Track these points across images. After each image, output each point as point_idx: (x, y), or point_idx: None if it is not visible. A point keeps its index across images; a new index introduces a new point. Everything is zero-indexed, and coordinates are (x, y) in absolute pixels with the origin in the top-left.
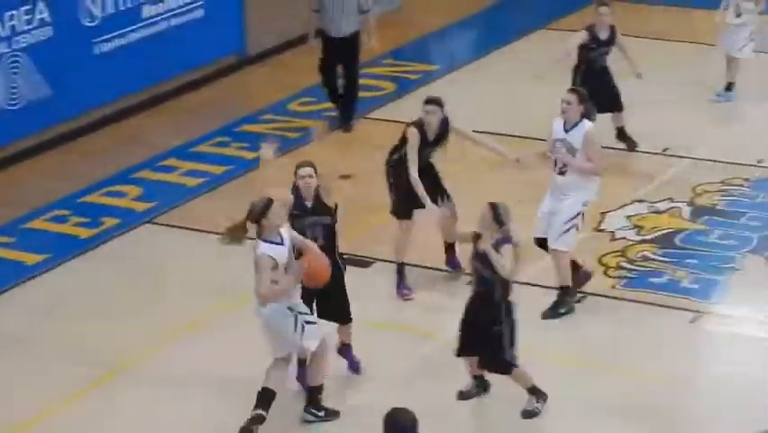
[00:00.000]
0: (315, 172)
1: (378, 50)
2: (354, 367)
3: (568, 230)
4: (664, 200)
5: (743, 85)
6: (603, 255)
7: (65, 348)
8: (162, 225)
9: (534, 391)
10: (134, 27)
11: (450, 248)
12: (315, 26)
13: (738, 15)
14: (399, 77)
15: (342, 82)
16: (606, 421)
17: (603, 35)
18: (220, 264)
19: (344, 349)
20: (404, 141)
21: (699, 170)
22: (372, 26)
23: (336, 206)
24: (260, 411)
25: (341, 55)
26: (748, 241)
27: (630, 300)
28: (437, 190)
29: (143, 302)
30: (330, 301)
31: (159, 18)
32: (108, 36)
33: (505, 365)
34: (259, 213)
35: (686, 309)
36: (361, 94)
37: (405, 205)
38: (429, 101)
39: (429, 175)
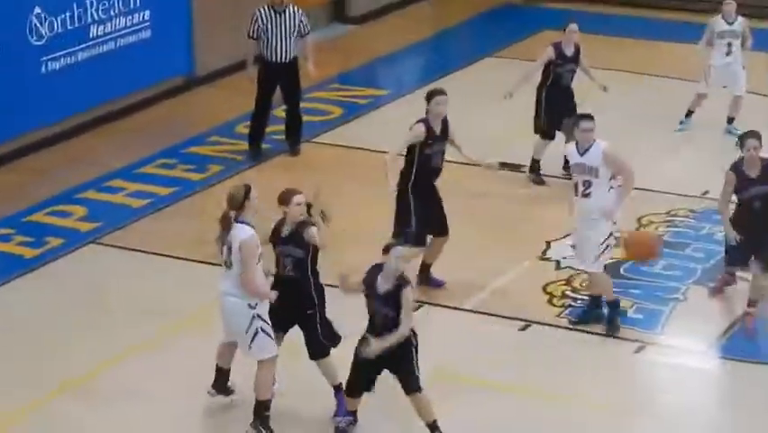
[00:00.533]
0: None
1: (316, 75)
2: (338, 411)
3: (603, 252)
4: None
5: (695, 116)
6: (548, 284)
7: (8, 367)
8: (107, 245)
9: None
10: (82, 46)
11: (426, 268)
12: (254, 54)
13: (728, 54)
14: (347, 101)
15: (285, 108)
16: None
17: (569, 51)
18: (164, 285)
19: (335, 390)
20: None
21: (644, 201)
22: (311, 50)
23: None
24: (210, 389)
25: (281, 80)
26: (692, 272)
27: (575, 330)
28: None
29: (87, 322)
30: (305, 337)
31: (107, 38)
32: (56, 55)
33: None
34: (244, 197)
35: (630, 339)
36: (309, 118)
37: (422, 232)
38: (437, 92)
39: (434, 199)
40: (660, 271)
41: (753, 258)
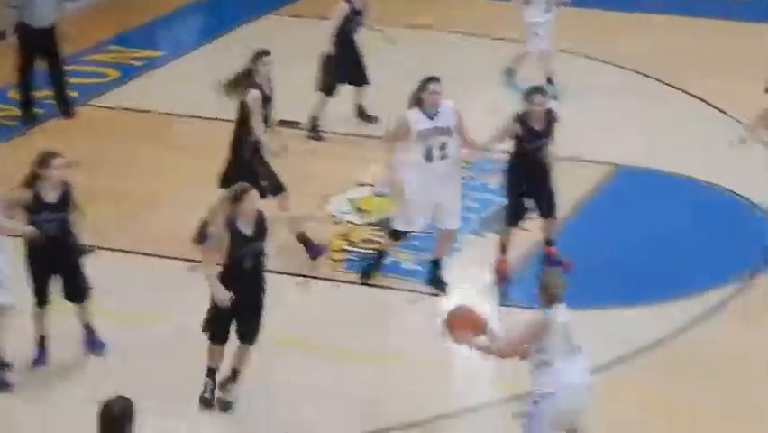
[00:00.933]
0: None
1: (76, 37)
2: (95, 346)
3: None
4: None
5: (471, 68)
6: (327, 238)
7: None
8: None
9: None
10: None
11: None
12: (14, 21)
13: (547, 11)
14: (123, 63)
15: (49, 72)
16: (328, 402)
17: (358, 5)
18: None
19: (87, 329)
20: (245, 112)
21: None
22: (68, 15)
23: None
24: None
25: (42, 46)
26: (468, 222)
27: (353, 283)
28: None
29: None
30: (68, 282)
31: None
32: None
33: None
34: None
35: (408, 290)
36: (84, 81)
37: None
38: (264, 52)
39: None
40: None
41: (535, 206)
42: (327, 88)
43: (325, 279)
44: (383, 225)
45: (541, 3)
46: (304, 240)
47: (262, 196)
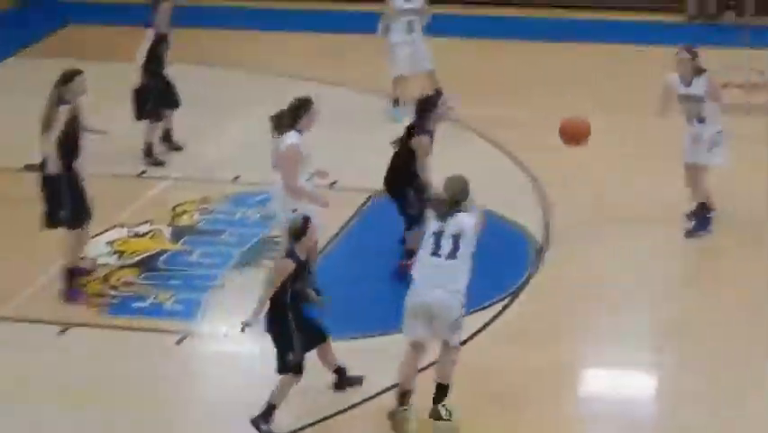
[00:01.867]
0: None
1: None
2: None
3: None
4: (144, 223)
5: (225, 100)
6: (84, 282)
7: None
8: None
9: None
10: None
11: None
12: None
13: (410, 32)
14: None
15: None
16: None
17: (165, 30)
18: None
19: None
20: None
21: (177, 190)
22: None
23: None
24: None
25: None
26: (229, 257)
27: (115, 328)
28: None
29: None
30: None
31: None
32: None
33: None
34: None
35: (171, 331)
36: None
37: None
38: (77, 72)
39: None
40: (197, 259)
41: None
42: (155, 115)
43: (85, 325)
44: (142, 265)
45: (404, 24)
46: (70, 278)
47: (58, 223)
